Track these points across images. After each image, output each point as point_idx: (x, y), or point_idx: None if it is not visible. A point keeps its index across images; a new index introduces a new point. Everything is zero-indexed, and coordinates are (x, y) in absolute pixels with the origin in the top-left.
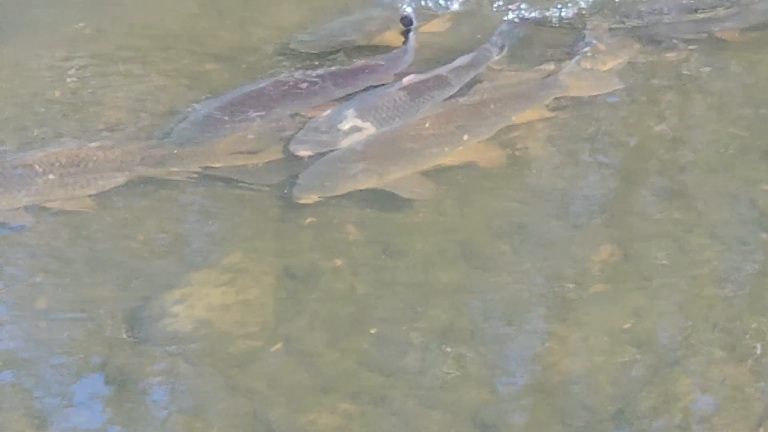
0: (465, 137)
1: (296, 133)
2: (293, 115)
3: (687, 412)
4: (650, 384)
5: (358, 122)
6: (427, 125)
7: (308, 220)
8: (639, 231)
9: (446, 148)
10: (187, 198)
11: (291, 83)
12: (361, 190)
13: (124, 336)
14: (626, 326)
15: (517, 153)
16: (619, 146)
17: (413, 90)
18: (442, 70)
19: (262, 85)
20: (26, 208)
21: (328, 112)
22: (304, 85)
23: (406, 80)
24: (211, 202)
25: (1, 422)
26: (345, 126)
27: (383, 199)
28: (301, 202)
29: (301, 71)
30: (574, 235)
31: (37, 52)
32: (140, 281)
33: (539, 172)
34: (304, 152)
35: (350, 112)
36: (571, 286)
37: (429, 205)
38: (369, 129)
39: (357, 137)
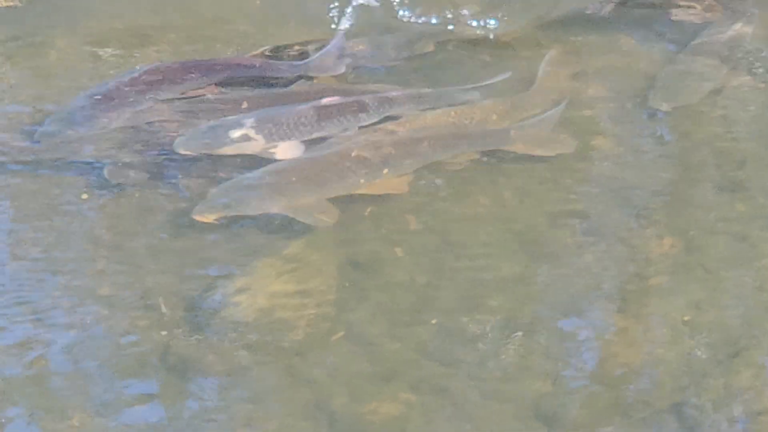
0: (385, 171)
1: (184, 131)
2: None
3: (748, 405)
4: (711, 376)
5: (251, 133)
6: (353, 154)
7: (368, 210)
8: (700, 223)
9: (362, 180)
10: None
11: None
12: (422, 183)
13: (186, 324)
14: (687, 318)
15: (579, 144)
16: (680, 138)
17: (324, 111)
18: (367, 98)
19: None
20: (90, 197)
21: (231, 117)
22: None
23: (325, 101)
24: None
25: (62, 410)
26: (236, 134)
27: (442, 190)
28: (198, 219)
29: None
30: (635, 226)
31: (105, 42)
32: (202, 269)
33: (600, 164)
34: (186, 151)
35: (248, 122)
36: (631, 277)
37: (489, 195)
38: (259, 142)
39: (245, 147)
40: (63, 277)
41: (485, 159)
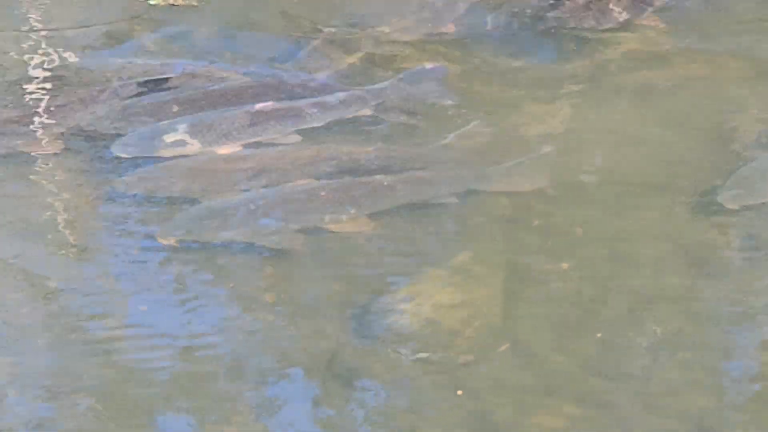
0: (352, 211)
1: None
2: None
3: None
4: None
5: (186, 137)
6: (322, 194)
7: (536, 223)
8: None
9: (327, 217)
10: (415, 198)
11: None
12: (589, 191)
13: (352, 332)
14: None
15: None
16: None
17: (258, 116)
18: (302, 103)
19: None
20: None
21: (167, 121)
22: None
23: (258, 106)
24: (441, 202)
25: (226, 413)
26: (171, 138)
27: (610, 204)
28: (161, 241)
29: None
30: None
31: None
32: (369, 278)
33: None
34: (123, 155)
35: (182, 126)
36: None
37: (657, 210)
38: (195, 145)
39: (180, 151)
40: (230, 283)
41: (653, 173)
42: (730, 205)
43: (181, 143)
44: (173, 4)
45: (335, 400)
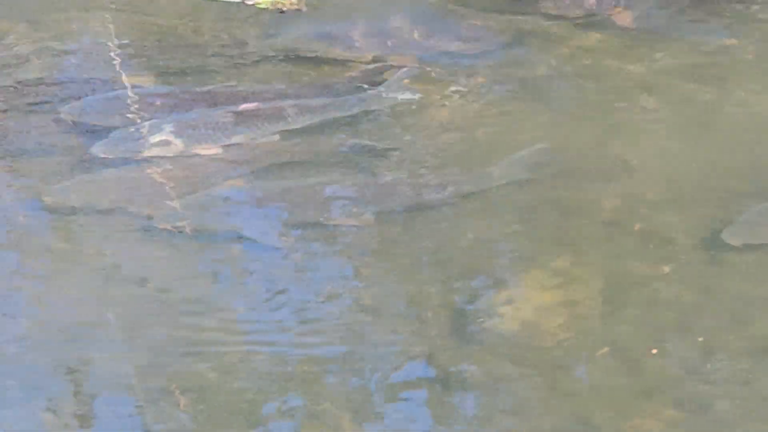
0: (354, 210)
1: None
2: None
3: None
4: None
5: (171, 138)
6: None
7: (637, 227)
8: None
9: (332, 215)
10: (516, 201)
11: None
12: (688, 196)
13: (449, 334)
14: None
15: None
16: None
17: (241, 117)
18: (286, 103)
19: None
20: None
21: (149, 121)
22: None
23: (242, 106)
24: (540, 205)
25: (322, 413)
26: (155, 138)
27: (710, 208)
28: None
29: None
30: None
31: None
32: (467, 280)
33: None
34: (105, 155)
35: (167, 127)
36: None
37: None
38: (178, 145)
39: (164, 151)
40: (329, 285)
41: (750, 179)
42: (732, 242)
43: (166, 143)
44: (282, 10)
45: (431, 402)
